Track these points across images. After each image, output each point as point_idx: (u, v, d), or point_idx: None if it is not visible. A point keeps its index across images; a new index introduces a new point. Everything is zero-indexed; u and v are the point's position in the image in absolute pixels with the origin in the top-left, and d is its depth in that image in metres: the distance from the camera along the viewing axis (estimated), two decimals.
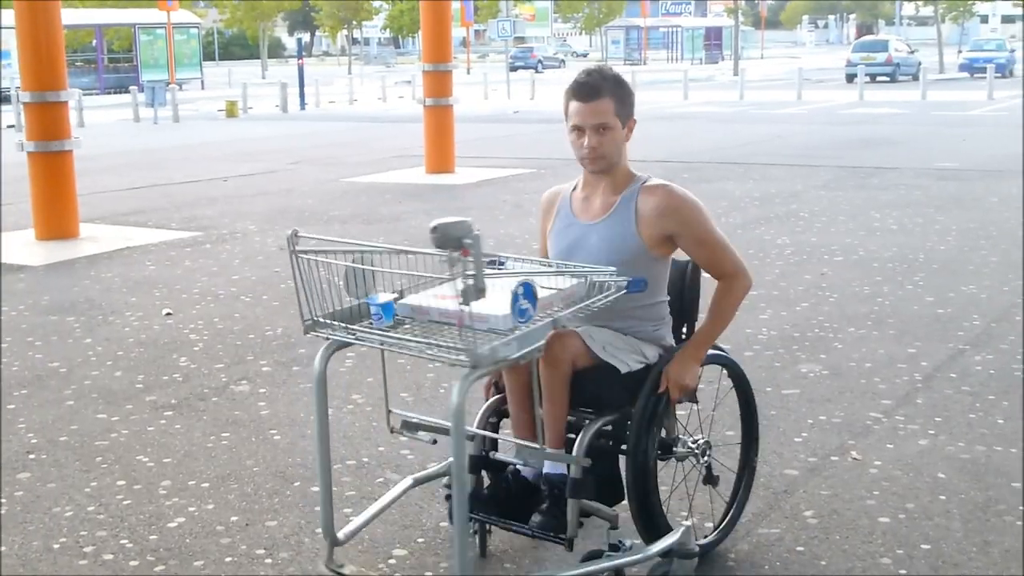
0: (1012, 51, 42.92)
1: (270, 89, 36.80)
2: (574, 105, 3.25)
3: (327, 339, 3.12)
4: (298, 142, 19.74)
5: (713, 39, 72.53)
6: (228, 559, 3.73)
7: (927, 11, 64.02)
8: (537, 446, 3.15)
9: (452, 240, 2.64)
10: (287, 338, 6.43)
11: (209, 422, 5.07)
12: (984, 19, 75.03)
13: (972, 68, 40.10)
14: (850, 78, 36.28)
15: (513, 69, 48.18)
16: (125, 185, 13.71)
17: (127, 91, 31.55)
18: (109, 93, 39.20)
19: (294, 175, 14.52)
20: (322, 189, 12.99)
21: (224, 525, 4.00)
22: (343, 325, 3.06)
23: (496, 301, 2.84)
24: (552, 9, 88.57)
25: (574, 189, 3.47)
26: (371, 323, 3.06)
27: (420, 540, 3.85)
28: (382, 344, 3.04)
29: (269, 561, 3.70)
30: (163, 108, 27.43)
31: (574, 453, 3.17)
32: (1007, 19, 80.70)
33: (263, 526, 3.97)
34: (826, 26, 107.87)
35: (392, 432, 3.63)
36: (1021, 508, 3.89)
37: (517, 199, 11.71)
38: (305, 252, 3.12)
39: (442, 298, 2.96)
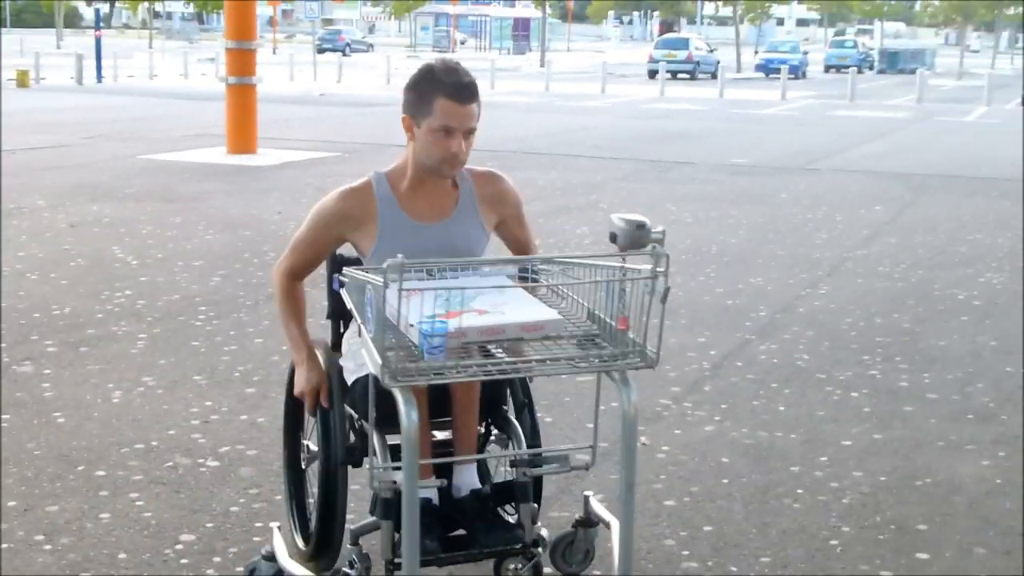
0: (805, 53, 44.76)
1: (65, 60, 35.38)
2: (447, 105, 2.84)
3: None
4: (94, 115, 19.04)
5: (521, 30, 73.35)
6: (4, 546, 3.58)
7: (727, 11, 66.19)
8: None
9: (641, 240, 2.51)
10: (75, 318, 6.23)
11: None
12: (780, 21, 78.07)
13: (767, 68, 41.63)
14: (652, 74, 37.24)
15: (320, 51, 47.60)
16: None
17: None
18: None
19: (88, 150, 14.01)
20: (118, 165, 12.55)
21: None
22: (435, 370, 2.45)
23: (534, 307, 2.67)
24: None
25: (387, 190, 3.03)
26: (458, 364, 2.49)
27: (209, 525, 3.77)
28: (515, 372, 2.69)
29: (48, 547, 3.57)
30: None
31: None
32: (801, 23, 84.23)
33: (43, 511, 3.83)
34: (631, 22, 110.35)
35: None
36: (799, 491, 4.09)
37: (321, 183, 11.54)
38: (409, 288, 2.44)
39: (484, 313, 2.54)
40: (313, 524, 3.14)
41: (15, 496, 3.94)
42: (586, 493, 3.34)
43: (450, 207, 3.05)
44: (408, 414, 2.41)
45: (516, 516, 3.02)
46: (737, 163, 14.20)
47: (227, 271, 7.45)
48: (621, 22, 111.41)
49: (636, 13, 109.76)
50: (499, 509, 3.06)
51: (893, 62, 47.11)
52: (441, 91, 2.83)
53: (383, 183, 3.03)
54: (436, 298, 2.50)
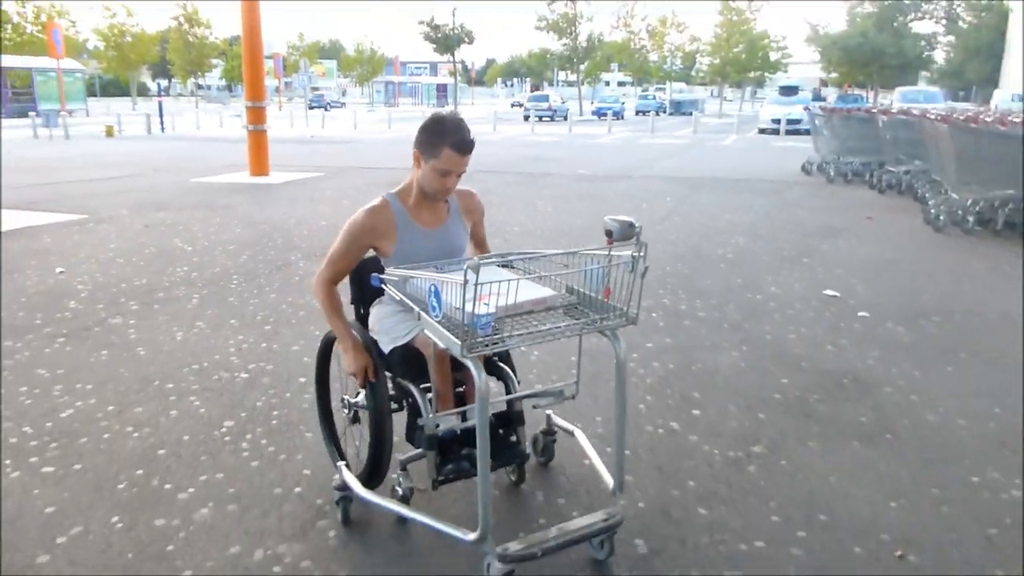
0: (623, 104, 45.04)
1: (138, 118, 33.90)
2: (451, 155, 2.58)
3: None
4: (158, 155, 18.28)
5: (441, 91, 72.63)
6: (105, 436, 3.50)
7: (573, 77, 66.21)
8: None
9: (629, 234, 2.37)
10: (149, 287, 6.01)
11: (92, 345, 4.70)
12: (607, 83, 78.26)
13: (600, 113, 41.58)
14: (526, 118, 37.09)
15: (310, 108, 46.49)
16: (27, 182, 12.35)
17: (27, 116, 28.31)
18: (12, 117, 34.95)
19: (155, 177, 13.43)
20: (175, 187, 12.05)
21: (103, 413, 3.74)
22: (498, 336, 2.24)
23: (536, 288, 2.49)
24: (336, 67, 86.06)
25: (400, 206, 2.74)
26: (512, 334, 2.28)
27: (243, 414, 3.70)
28: (552, 336, 2.32)
29: (136, 436, 3.50)
30: (56, 129, 24.89)
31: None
32: (621, 83, 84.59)
33: (131, 412, 3.74)
34: (512, 85, 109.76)
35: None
36: None
37: (311, 193, 11.34)
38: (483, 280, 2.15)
39: (495, 296, 2.25)
40: (365, 458, 2.80)
41: (113, 403, 3.85)
42: (547, 412, 3.18)
43: (444, 216, 2.81)
44: (479, 376, 2.20)
45: (515, 436, 2.84)
46: (581, 173, 14.23)
47: (251, 252, 7.27)
48: (506, 85, 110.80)
49: (516, 79, 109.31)
50: (500, 431, 2.82)
51: (678, 107, 47.44)
52: (449, 143, 2.57)
53: (396, 201, 2.75)
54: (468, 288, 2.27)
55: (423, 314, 2.35)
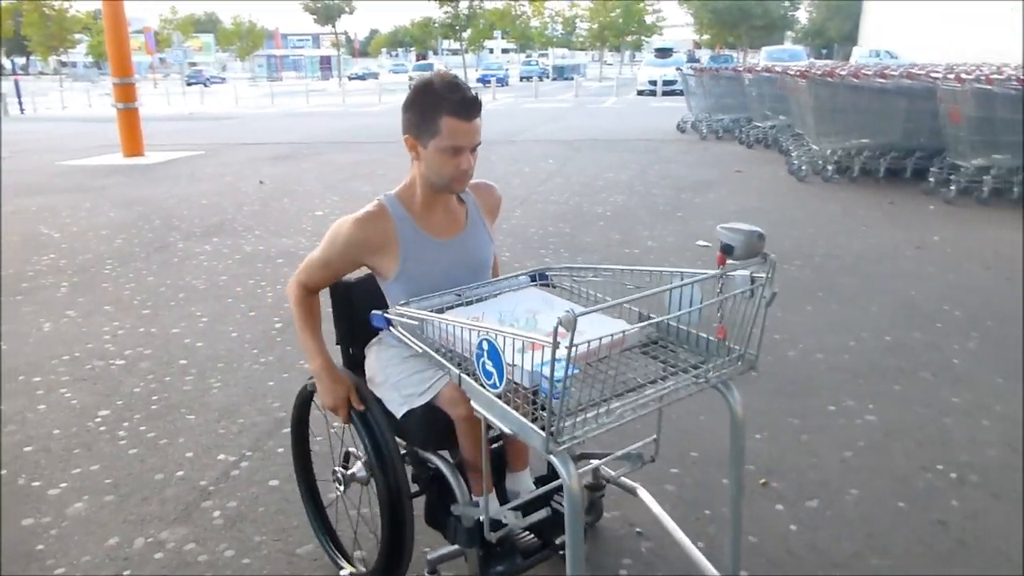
0: (507, 71, 44.94)
1: None
2: (454, 123, 1.88)
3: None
4: (20, 137, 17.02)
5: (325, 64, 70.57)
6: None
7: (457, 46, 65.49)
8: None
9: (758, 249, 1.69)
10: (12, 278, 5.62)
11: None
12: (491, 51, 77.87)
13: (484, 80, 41.33)
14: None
15: (189, 84, 44.42)
16: None
17: None
18: None
19: (18, 160, 12.52)
20: (41, 170, 11.30)
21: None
22: (592, 415, 1.53)
23: (603, 322, 1.78)
24: (214, 42, 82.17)
25: (403, 212, 2.01)
26: (608, 409, 1.54)
27: (119, 402, 3.54)
28: (661, 402, 1.66)
29: None
30: None
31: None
32: (504, 51, 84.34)
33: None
34: (397, 55, 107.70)
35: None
36: None
37: (191, 171, 10.85)
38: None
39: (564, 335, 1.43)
40: (377, 552, 2.07)
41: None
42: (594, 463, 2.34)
43: (463, 220, 2.09)
44: (569, 473, 1.49)
45: (540, 492, 2.12)
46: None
47: (126, 235, 6.90)
48: (391, 55, 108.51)
49: (400, 49, 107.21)
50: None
51: (560, 73, 47.77)
52: (447, 109, 1.87)
53: (396, 205, 2.02)
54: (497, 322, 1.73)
55: (468, 379, 1.65)
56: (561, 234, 6.54)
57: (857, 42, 42.35)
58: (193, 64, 65.21)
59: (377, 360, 2.10)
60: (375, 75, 57.91)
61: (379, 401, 2.04)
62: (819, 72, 9.38)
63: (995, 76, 7.72)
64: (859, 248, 5.95)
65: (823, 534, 2.50)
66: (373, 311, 1.93)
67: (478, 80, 43.52)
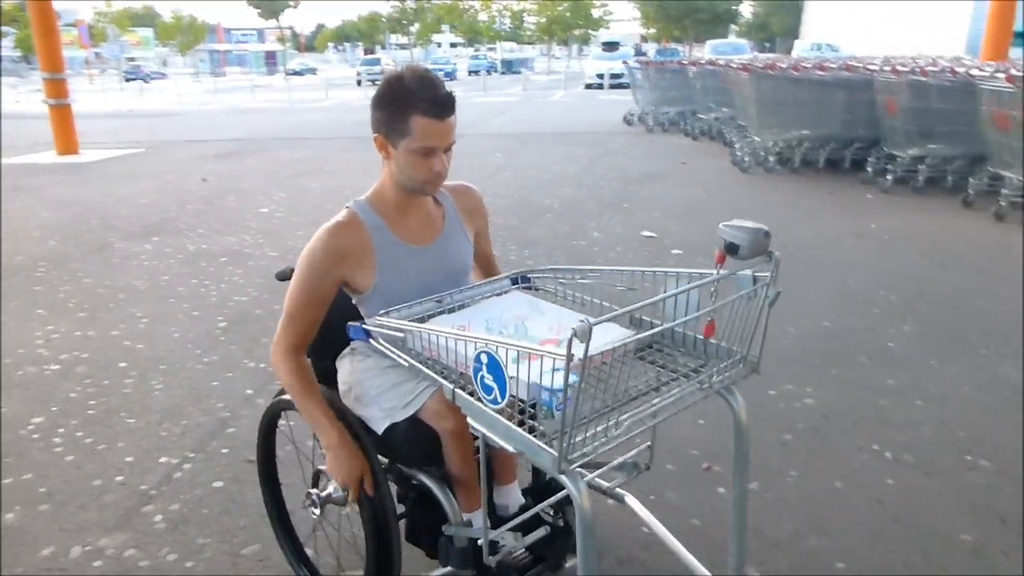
0: (455, 65, 44.79)
1: None
2: (426, 123, 1.73)
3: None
4: None
5: (270, 59, 69.48)
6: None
7: (404, 40, 65.09)
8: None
9: (764, 247, 1.58)
10: None
11: None
12: (439, 45, 77.43)
13: None
14: (359, 83, 36.20)
15: (128, 80, 43.27)
16: None
17: None
18: None
19: None
20: None
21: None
22: (601, 429, 1.42)
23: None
24: (154, 36, 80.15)
25: (376, 219, 1.86)
26: (617, 422, 1.43)
27: (54, 408, 3.44)
28: (666, 412, 1.52)
29: None
30: None
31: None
32: (453, 45, 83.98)
33: None
34: (345, 50, 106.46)
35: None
36: None
37: (130, 170, 10.59)
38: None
39: (558, 342, 1.51)
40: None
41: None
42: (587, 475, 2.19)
43: (439, 224, 1.95)
44: (579, 492, 1.37)
45: (561, 516, 2.07)
46: None
47: (61, 236, 6.71)
48: (338, 50, 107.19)
49: (347, 43, 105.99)
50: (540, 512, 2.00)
51: (509, 66, 47.83)
52: (418, 109, 1.72)
53: (368, 212, 1.87)
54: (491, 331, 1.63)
55: (462, 394, 1.52)
56: (509, 227, 6.55)
57: (799, 36, 43.24)
58: (131, 59, 63.57)
59: (353, 373, 1.95)
60: (312, 71, 56.81)
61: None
62: (761, 65, 9.55)
63: (930, 68, 7.95)
64: (800, 237, 6.07)
65: (764, 516, 2.56)
66: (350, 323, 1.76)
67: None
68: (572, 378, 1.30)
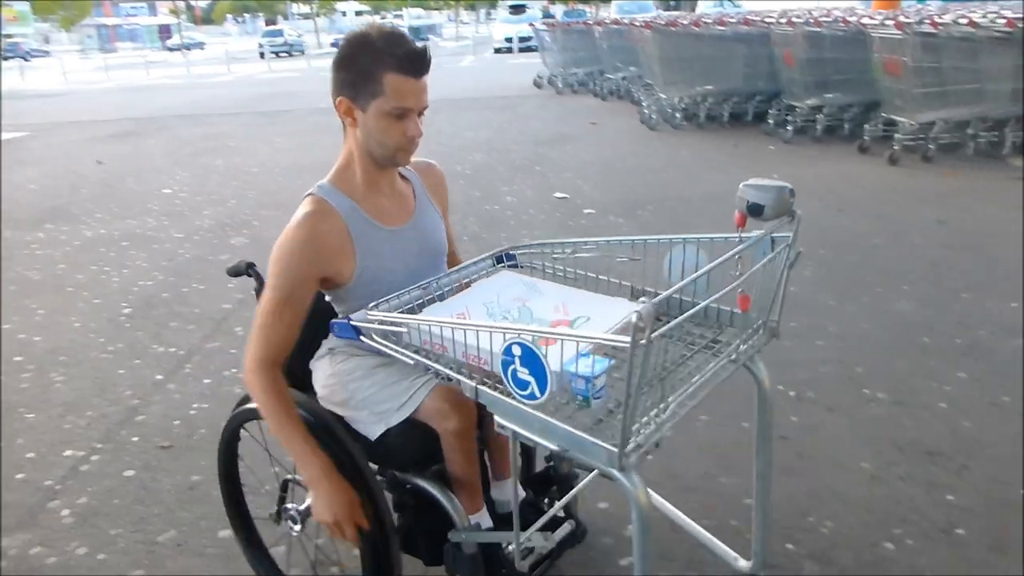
0: None
1: None
2: (400, 81, 1.54)
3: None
4: None
5: (164, 32, 66.56)
6: None
7: (307, 9, 63.23)
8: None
9: (789, 206, 1.46)
10: None
11: None
12: (344, 14, 75.54)
13: (338, 44, 40.31)
14: (262, 55, 35.04)
15: (6, 59, 40.80)
16: None
17: None
18: None
19: None
20: None
21: None
22: (655, 416, 1.29)
23: (608, 304, 1.58)
24: (31, 11, 75.46)
25: (347, 201, 1.64)
26: (667, 406, 1.31)
27: None
28: (704, 388, 1.39)
29: None
30: None
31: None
32: (359, 13, 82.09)
33: None
34: (244, 21, 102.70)
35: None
36: None
37: (17, 154, 10.01)
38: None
39: (567, 323, 1.46)
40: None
41: None
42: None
43: (411, 203, 1.76)
44: (636, 488, 1.24)
45: (561, 505, 1.86)
46: (321, 107, 13.74)
47: None
48: (238, 21, 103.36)
49: (247, 14, 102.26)
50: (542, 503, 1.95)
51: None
52: (390, 65, 1.53)
53: (336, 195, 1.64)
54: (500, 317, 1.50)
55: (487, 391, 1.34)
56: None
57: None
58: (9, 36, 59.94)
59: (335, 376, 1.74)
60: (200, 45, 53.88)
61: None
62: (663, 22, 9.65)
63: (824, 19, 8.19)
64: (706, 190, 6.22)
65: (677, 460, 2.64)
66: (334, 320, 1.56)
67: (332, 45, 42.29)
68: (603, 364, 1.22)
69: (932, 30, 6.75)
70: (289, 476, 1.83)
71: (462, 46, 34.72)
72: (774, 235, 1.47)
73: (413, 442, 1.67)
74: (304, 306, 1.60)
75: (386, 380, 1.68)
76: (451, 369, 1.41)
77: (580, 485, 1.88)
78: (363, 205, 1.66)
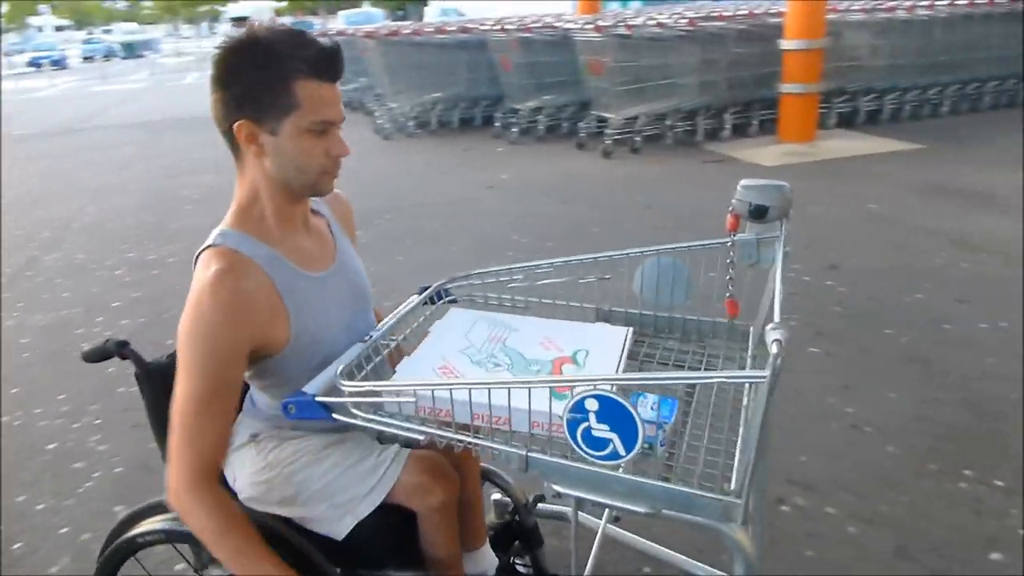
0: (63, 52, 39.84)
1: None
2: (316, 88, 1.26)
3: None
4: None
5: None
6: None
7: None
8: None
9: (788, 206, 1.32)
10: None
11: None
12: (40, 29, 68.14)
13: (37, 64, 36.33)
14: None
15: None
16: None
17: None
18: None
19: None
20: None
21: None
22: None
23: (591, 329, 1.47)
24: None
25: (263, 248, 1.32)
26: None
27: None
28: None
29: None
30: None
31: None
32: (59, 28, 74.32)
33: None
34: None
35: None
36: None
37: None
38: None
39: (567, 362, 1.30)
40: None
41: None
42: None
43: (330, 239, 1.48)
44: (751, 542, 1.09)
45: (532, 559, 1.78)
46: (18, 134, 12.34)
47: None
48: None
49: None
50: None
51: (131, 50, 43.58)
52: (302, 71, 1.24)
53: (247, 242, 1.31)
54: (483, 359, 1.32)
55: (542, 457, 1.12)
56: (145, 224, 6.08)
57: (427, 3, 44.80)
58: None
59: (269, 468, 1.40)
60: None
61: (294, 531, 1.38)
62: (385, 32, 9.77)
63: (533, 24, 8.73)
64: (441, 194, 6.41)
65: None
66: (288, 399, 1.22)
67: (28, 64, 38.04)
68: (671, 405, 1.08)
69: (627, 32, 7.44)
70: None
71: (184, 63, 32.70)
72: (760, 237, 1.40)
73: (388, 530, 1.38)
74: (237, 391, 1.27)
75: (343, 462, 1.38)
76: (480, 438, 1.16)
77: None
78: (282, 250, 1.33)
